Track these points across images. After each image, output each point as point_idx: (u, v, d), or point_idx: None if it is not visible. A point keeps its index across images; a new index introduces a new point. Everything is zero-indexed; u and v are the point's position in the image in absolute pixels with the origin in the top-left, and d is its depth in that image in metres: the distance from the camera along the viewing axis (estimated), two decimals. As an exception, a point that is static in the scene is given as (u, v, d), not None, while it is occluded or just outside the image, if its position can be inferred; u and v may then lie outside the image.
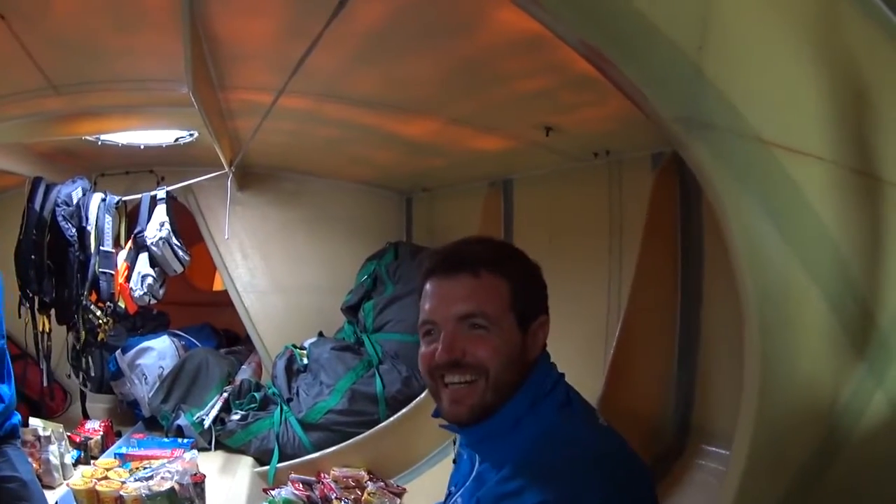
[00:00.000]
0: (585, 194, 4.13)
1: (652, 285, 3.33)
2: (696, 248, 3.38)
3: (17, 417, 3.82)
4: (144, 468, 4.86)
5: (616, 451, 1.82)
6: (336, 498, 4.86)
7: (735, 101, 1.57)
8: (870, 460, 1.65)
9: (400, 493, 4.91)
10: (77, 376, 6.17)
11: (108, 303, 6.07)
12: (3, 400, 3.63)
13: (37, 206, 5.65)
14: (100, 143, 5.67)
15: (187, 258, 6.68)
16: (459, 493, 2.02)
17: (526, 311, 1.90)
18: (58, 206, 5.73)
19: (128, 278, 6.30)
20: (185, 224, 6.76)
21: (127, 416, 6.77)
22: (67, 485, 4.68)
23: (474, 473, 1.97)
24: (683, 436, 3.34)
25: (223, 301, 8.24)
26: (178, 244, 6.53)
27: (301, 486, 5.08)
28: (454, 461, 2.21)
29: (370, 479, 5.19)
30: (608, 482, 1.70)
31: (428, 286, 1.97)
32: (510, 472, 1.80)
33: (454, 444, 2.25)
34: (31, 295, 5.58)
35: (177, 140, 5.64)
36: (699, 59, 1.55)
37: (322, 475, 5.24)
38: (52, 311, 5.85)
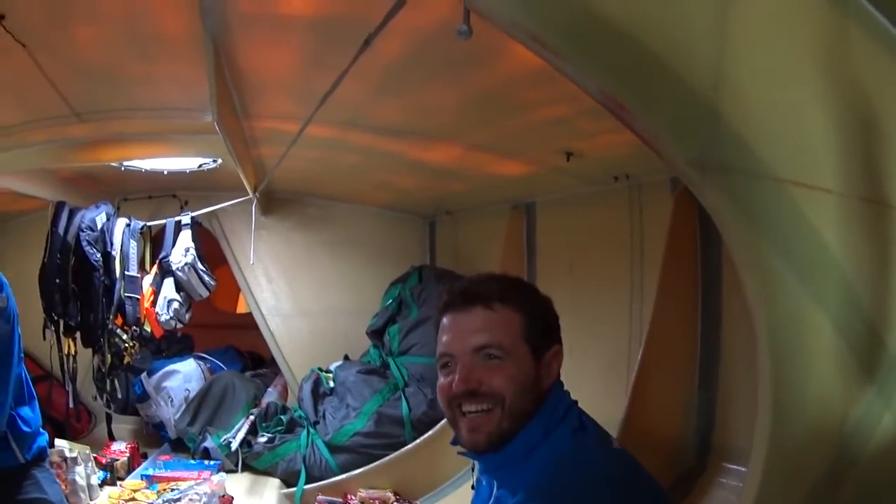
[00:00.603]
0: (606, 217, 4.15)
1: (673, 307, 3.36)
2: (715, 270, 3.40)
3: (44, 439, 3.83)
4: (172, 490, 4.93)
5: (629, 474, 1.88)
6: None
7: (750, 141, 1.59)
8: (880, 479, 1.65)
9: None
10: (102, 398, 6.22)
11: (134, 327, 6.13)
12: (29, 423, 3.65)
13: (60, 231, 5.71)
14: (123, 168, 5.75)
15: (213, 283, 6.75)
16: None
17: (539, 342, 1.96)
18: (82, 230, 5.79)
19: (153, 303, 6.37)
20: (209, 247, 6.85)
21: (152, 437, 6.82)
22: None
23: (492, 500, 2.02)
24: (704, 455, 3.36)
25: (247, 323, 8.26)
26: (204, 269, 6.61)
27: None
28: (473, 487, 2.27)
29: (396, 500, 5.25)
30: (620, 502, 1.77)
31: (444, 320, 2.04)
32: (525, 497, 1.86)
33: (472, 470, 2.31)
34: (56, 318, 5.62)
35: (200, 166, 5.69)
36: (714, 99, 1.57)
37: (349, 496, 5.30)
38: (78, 334, 5.88)
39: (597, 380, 3.44)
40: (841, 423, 1.69)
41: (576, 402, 2.04)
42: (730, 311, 3.31)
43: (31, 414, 3.68)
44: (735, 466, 3.20)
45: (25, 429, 3.61)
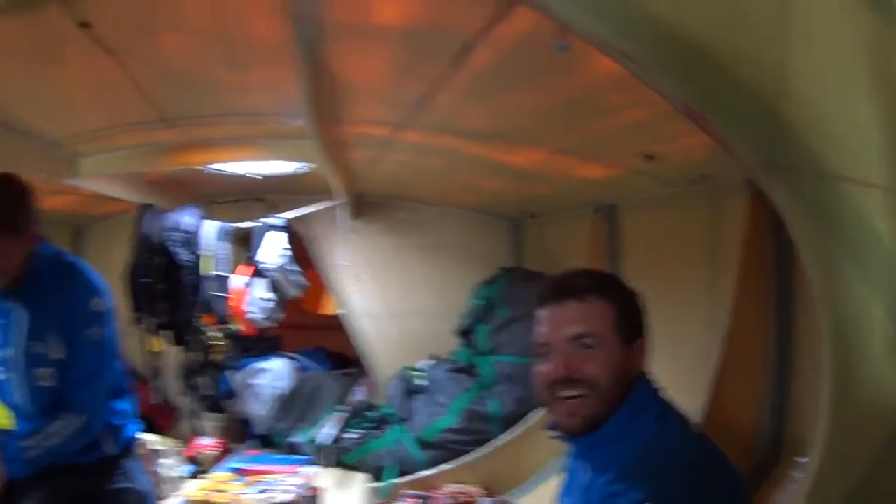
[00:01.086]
0: (684, 218, 4.15)
1: (748, 308, 3.40)
2: (788, 271, 3.45)
3: (135, 430, 3.92)
4: (262, 481, 5.05)
5: (707, 458, 2.00)
6: None
7: (812, 143, 1.72)
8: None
9: None
10: (190, 395, 6.45)
11: (224, 325, 6.36)
12: (120, 416, 3.75)
13: (148, 232, 5.91)
14: (210, 172, 5.84)
15: (304, 283, 6.96)
16: (570, 500, 2.20)
17: (628, 333, 2.10)
18: (171, 232, 5.99)
19: (245, 302, 6.55)
20: (296, 249, 6.99)
21: (238, 434, 6.98)
22: (182, 496, 4.87)
23: (583, 483, 2.14)
24: (778, 449, 3.41)
25: (332, 325, 8.36)
26: (297, 270, 6.83)
27: (414, 500, 5.24)
28: (565, 471, 2.39)
29: (483, 495, 5.30)
30: (698, 485, 1.87)
31: (541, 312, 2.20)
32: (614, 476, 1.98)
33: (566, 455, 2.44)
34: (142, 317, 5.83)
35: (291, 171, 5.77)
36: (779, 105, 1.68)
37: (433, 491, 5.40)
38: (166, 332, 6.10)
39: (679, 378, 3.50)
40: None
41: (659, 389, 2.18)
42: (802, 313, 3.36)
43: (124, 407, 3.78)
44: (806, 460, 3.27)
45: (117, 422, 3.71)
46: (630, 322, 2.14)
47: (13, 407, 3.56)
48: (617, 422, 2.06)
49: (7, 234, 3.21)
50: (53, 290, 3.42)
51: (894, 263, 1.79)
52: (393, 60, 3.32)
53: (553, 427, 2.22)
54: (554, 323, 2.17)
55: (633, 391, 2.10)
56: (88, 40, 2.99)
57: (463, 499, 5.21)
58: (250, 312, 6.62)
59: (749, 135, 1.74)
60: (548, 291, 2.24)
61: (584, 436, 2.11)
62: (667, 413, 2.11)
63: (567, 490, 2.31)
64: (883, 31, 1.81)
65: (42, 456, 3.38)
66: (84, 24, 2.75)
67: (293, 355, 7.72)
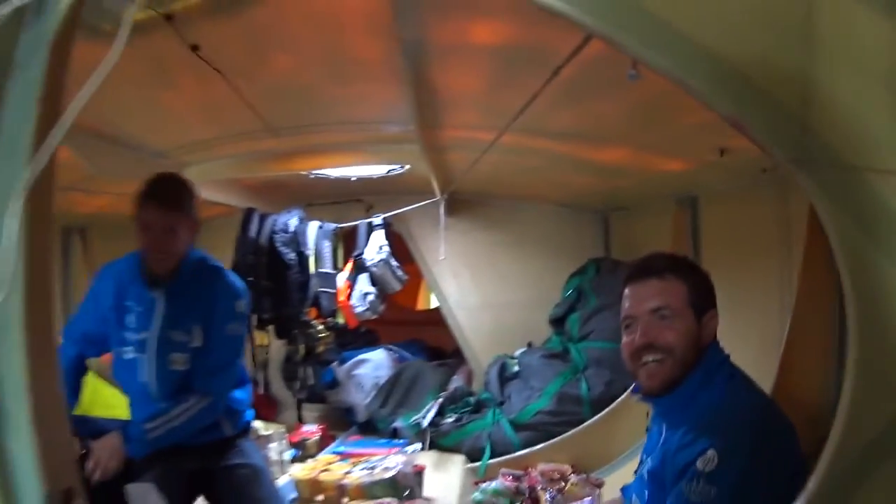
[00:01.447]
0: (758, 208, 4.18)
1: (813, 293, 3.56)
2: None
3: (251, 415, 4.21)
4: (366, 462, 5.27)
5: (769, 418, 2.34)
6: (542, 489, 5.11)
7: (832, 142, 1.93)
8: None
9: (600, 485, 5.10)
10: (293, 386, 6.75)
11: (329, 318, 6.67)
12: (240, 404, 4.02)
13: (252, 234, 6.25)
14: (311, 176, 6.13)
15: (405, 277, 7.25)
16: (650, 457, 2.55)
17: (700, 306, 2.46)
18: (275, 233, 6.31)
19: (349, 296, 6.86)
20: (393, 246, 7.29)
21: (339, 422, 7.24)
22: (289, 476, 5.15)
23: (662, 439, 2.49)
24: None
25: (427, 319, 8.88)
26: (397, 265, 7.12)
27: (510, 478, 5.35)
28: (647, 430, 2.74)
29: (573, 473, 5.40)
30: (757, 439, 2.21)
31: (626, 290, 2.59)
32: (686, 430, 2.31)
33: (647, 415, 2.78)
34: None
35: (388, 172, 6.02)
36: (803, 112, 1.93)
37: (529, 469, 5.53)
38: (272, 327, 6.43)
39: (752, 358, 3.69)
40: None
41: (729, 356, 2.54)
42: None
43: (243, 396, 4.06)
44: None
45: (236, 407, 4.00)
46: (701, 297, 2.49)
47: (138, 387, 3.83)
48: (691, 384, 2.41)
49: (183, 216, 3.56)
50: (202, 287, 3.76)
51: None
52: (489, 74, 3.53)
53: (637, 391, 2.60)
54: (636, 298, 2.55)
55: (706, 357, 2.44)
56: (198, 61, 3.20)
57: (555, 476, 5.32)
58: (354, 306, 6.94)
59: (777, 138, 1.96)
60: (632, 272, 2.62)
61: (662, 396, 2.47)
62: (735, 376, 2.46)
63: (648, 449, 2.65)
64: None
65: (164, 436, 3.63)
66: (194, 47, 2.95)
67: (392, 347, 8.01)
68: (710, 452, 2.16)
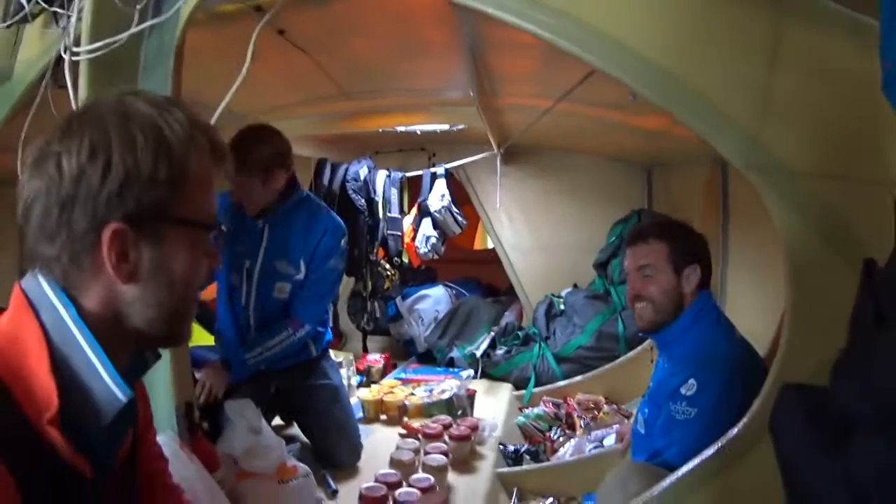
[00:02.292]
0: None
1: None
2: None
3: (330, 337, 4.70)
4: (424, 385, 5.80)
5: (743, 355, 2.99)
6: (578, 416, 5.45)
7: (782, 151, 2.31)
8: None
9: (628, 416, 5.36)
10: (361, 319, 7.25)
11: (396, 258, 7.16)
12: (324, 324, 4.57)
13: (325, 181, 6.73)
14: (381, 130, 6.64)
15: (465, 222, 7.70)
16: (655, 383, 3.24)
17: (679, 263, 3.08)
18: (347, 181, 6.80)
19: (413, 238, 7.38)
20: (453, 189, 7.74)
21: (400, 352, 7.75)
22: (357, 398, 5.61)
23: (663, 367, 3.22)
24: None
25: (482, 258, 9.26)
26: (457, 211, 7.55)
27: (550, 405, 5.77)
28: (651, 361, 3.47)
29: (606, 403, 5.77)
30: (731, 373, 2.84)
31: (627, 251, 3.33)
32: (677, 362, 3.02)
33: (651, 350, 3.49)
34: None
35: (450, 127, 6.46)
36: (758, 125, 2.31)
37: (568, 398, 5.92)
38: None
39: (763, 310, 4.15)
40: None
41: (716, 305, 3.19)
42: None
43: (325, 317, 4.63)
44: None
45: (321, 329, 4.50)
46: (681, 256, 3.10)
47: (233, 316, 4.29)
48: (681, 323, 3.08)
49: (248, 172, 3.92)
50: (306, 223, 4.20)
51: (848, 227, 2.35)
52: (541, 57, 3.92)
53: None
54: (630, 258, 3.28)
55: (695, 302, 3.09)
56: (284, 42, 3.66)
57: (590, 406, 5.72)
58: (418, 248, 7.48)
59: (732, 147, 2.36)
60: (628, 236, 3.33)
61: (653, 333, 3.18)
62: (720, 322, 3.12)
63: (653, 376, 3.38)
64: (860, 52, 2.21)
65: (261, 363, 4.12)
66: (280, 31, 3.36)
67: (450, 283, 8.46)
68: (692, 381, 2.85)
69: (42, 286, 1.38)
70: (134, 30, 2.57)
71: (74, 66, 2.60)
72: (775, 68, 2.33)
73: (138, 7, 2.61)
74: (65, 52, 2.60)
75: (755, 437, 2.38)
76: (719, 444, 2.56)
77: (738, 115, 2.34)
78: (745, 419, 2.52)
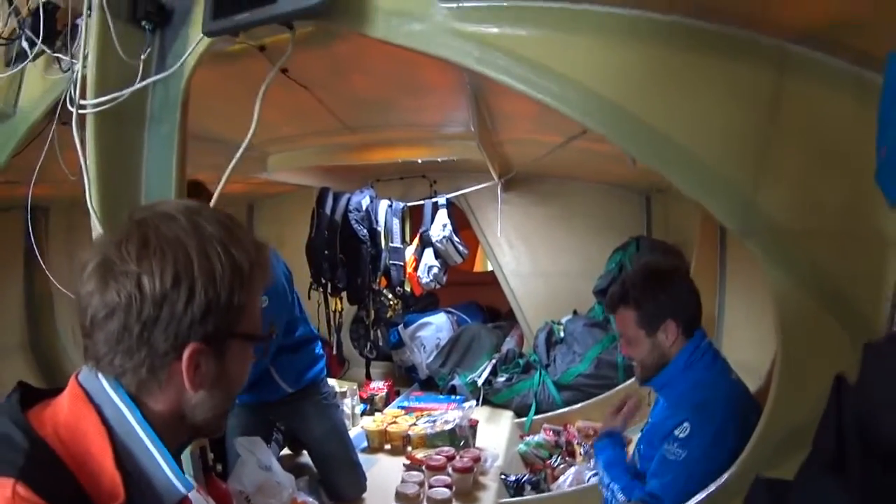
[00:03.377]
0: None
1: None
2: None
3: (314, 372, 4.82)
4: (428, 416, 5.88)
5: (737, 398, 3.03)
6: (577, 443, 5.56)
7: (775, 213, 2.30)
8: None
9: (628, 442, 5.53)
10: (364, 346, 7.29)
11: (398, 287, 7.18)
12: (319, 359, 4.75)
13: (328, 211, 6.67)
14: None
15: (466, 252, 7.76)
16: (653, 420, 3.33)
17: (650, 323, 3.14)
18: (349, 211, 6.76)
19: (415, 268, 7.42)
20: (453, 214, 7.80)
21: (403, 378, 7.97)
22: (361, 427, 5.73)
23: (660, 407, 3.30)
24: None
25: (483, 281, 9.28)
26: (459, 241, 7.62)
27: (551, 433, 5.86)
28: (649, 394, 3.78)
29: None
30: (727, 412, 2.89)
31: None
32: (672, 404, 3.10)
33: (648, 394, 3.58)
34: (324, 282, 6.62)
35: (449, 157, 6.33)
36: (752, 191, 2.31)
37: (568, 426, 6.00)
38: (344, 295, 6.89)
39: (760, 341, 4.18)
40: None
41: (711, 345, 3.18)
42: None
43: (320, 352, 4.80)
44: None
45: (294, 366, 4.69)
46: (650, 318, 3.14)
47: None
48: (675, 366, 3.12)
49: None
50: None
51: (836, 283, 2.35)
52: (537, 107, 3.99)
53: None
54: (616, 325, 3.43)
55: (686, 347, 3.12)
56: (286, 80, 3.73)
57: (590, 433, 5.73)
58: (420, 277, 7.52)
59: (727, 212, 2.37)
60: (605, 304, 3.55)
61: (649, 381, 3.24)
62: (716, 364, 3.16)
63: (652, 412, 3.46)
64: (862, 111, 2.19)
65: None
66: (283, 70, 3.38)
67: (452, 310, 8.54)
68: (686, 424, 2.91)
69: (103, 385, 1.45)
70: (138, 86, 2.64)
71: (80, 117, 2.66)
72: (774, 127, 2.33)
73: (143, 58, 2.69)
74: (71, 105, 2.67)
75: (743, 485, 2.43)
76: (709, 490, 2.63)
77: (733, 177, 2.34)
78: (733, 467, 2.60)
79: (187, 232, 1.42)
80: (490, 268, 8.53)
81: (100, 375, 1.46)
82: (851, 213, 2.35)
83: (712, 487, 2.63)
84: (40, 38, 2.90)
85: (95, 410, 1.42)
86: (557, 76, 2.37)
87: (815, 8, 2.16)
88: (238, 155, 2.65)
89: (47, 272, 3.85)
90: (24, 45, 3.00)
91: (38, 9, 2.91)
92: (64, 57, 2.92)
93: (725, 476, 2.62)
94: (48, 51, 2.96)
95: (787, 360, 2.46)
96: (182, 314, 1.39)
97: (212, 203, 2.76)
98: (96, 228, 2.62)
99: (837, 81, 2.29)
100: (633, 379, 5.71)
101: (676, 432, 2.91)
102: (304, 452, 4.96)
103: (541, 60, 2.37)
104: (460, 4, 2.41)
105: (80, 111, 2.63)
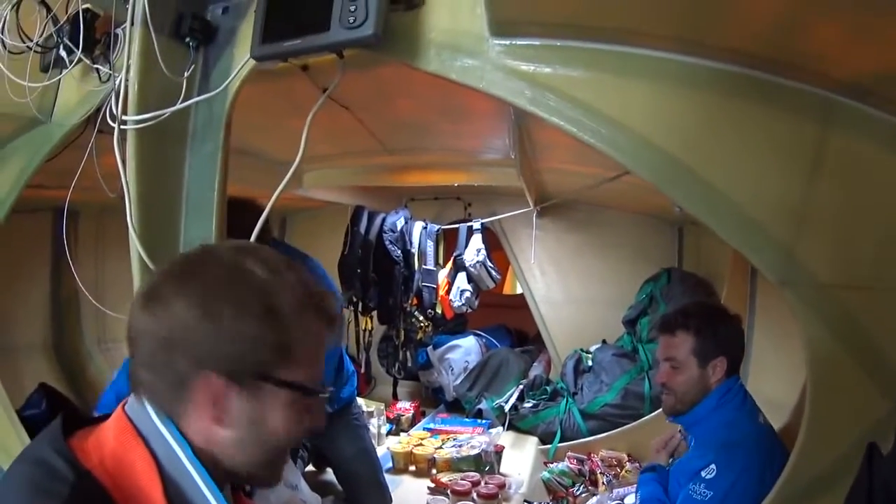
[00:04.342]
0: None
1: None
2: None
3: (348, 394, 4.75)
4: (453, 439, 5.90)
5: (764, 440, 3.03)
6: (600, 472, 5.54)
7: (815, 264, 2.29)
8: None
9: None
10: (392, 366, 7.34)
11: (430, 310, 7.24)
12: (351, 378, 4.70)
13: (362, 230, 6.81)
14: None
15: (499, 277, 7.81)
16: (683, 459, 3.31)
17: (704, 356, 3.16)
18: (384, 232, 6.88)
19: (448, 291, 7.47)
20: (486, 236, 7.84)
21: (429, 399, 7.98)
22: (387, 448, 5.73)
23: (690, 446, 3.29)
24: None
25: (513, 303, 9.22)
26: (492, 266, 7.66)
27: (574, 461, 5.88)
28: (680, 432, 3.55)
29: (629, 461, 5.81)
30: (752, 457, 2.90)
31: (659, 338, 3.34)
32: (701, 444, 3.09)
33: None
34: (356, 300, 6.69)
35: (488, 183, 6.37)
36: (793, 241, 2.29)
37: (592, 455, 6.01)
38: (375, 314, 6.99)
39: (787, 377, 4.16)
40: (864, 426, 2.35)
41: (743, 389, 3.20)
42: None
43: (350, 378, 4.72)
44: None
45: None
46: (707, 348, 3.16)
47: None
48: (704, 407, 3.16)
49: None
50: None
51: (872, 341, 2.34)
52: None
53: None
54: (660, 347, 3.31)
55: (720, 387, 3.16)
56: (328, 100, 3.52)
57: (613, 463, 5.79)
58: (452, 301, 7.57)
59: (768, 263, 2.35)
60: (658, 325, 3.38)
61: (677, 418, 3.27)
62: (745, 406, 3.18)
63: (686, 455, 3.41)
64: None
65: None
66: (324, 90, 3.16)
67: (481, 333, 8.52)
68: (712, 466, 2.93)
69: (150, 416, 1.47)
70: (182, 105, 2.64)
71: (122, 133, 2.66)
72: (816, 179, 2.31)
73: (186, 75, 2.69)
74: (112, 120, 2.65)
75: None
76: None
77: (774, 228, 2.34)
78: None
79: (227, 268, 1.47)
80: (519, 290, 8.57)
81: (147, 406, 1.48)
82: (887, 265, 2.35)
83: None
84: (80, 48, 2.88)
85: (143, 442, 1.44)
86: (608, 120, 2.37)
87: (864, 60, 2.16)
88: (287, 178, 2.66)
89: (75, 275, 3.87)
90: (63, 53, 2.97)
91: (76, 16, 2.89)
92: (102, 68, 2.91)
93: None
94: (87, 60, 2.94)
95: (816, 409, 2.46)
96: (202, 341, 1.42)
97: (261, 218, 2.82)
98: (135, 245, 2.61)
99: (882, 135, 2.29)
100: (659, 410, 5.76)
101: (703, 473, 2.94)
102: (329, 470, 4.99)
103: (592, 103, 2.37)
104: (513, 42, 2.42)
105: (122, 126, 2.63)
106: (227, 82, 2.68)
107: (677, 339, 3.25)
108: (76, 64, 2.97)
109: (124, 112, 2.63)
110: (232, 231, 2.85)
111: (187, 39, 2.72)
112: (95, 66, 2.95)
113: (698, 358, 3.18)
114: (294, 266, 1.56)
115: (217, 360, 1.43)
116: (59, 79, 3.18)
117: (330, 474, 4.95)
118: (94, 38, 2.95)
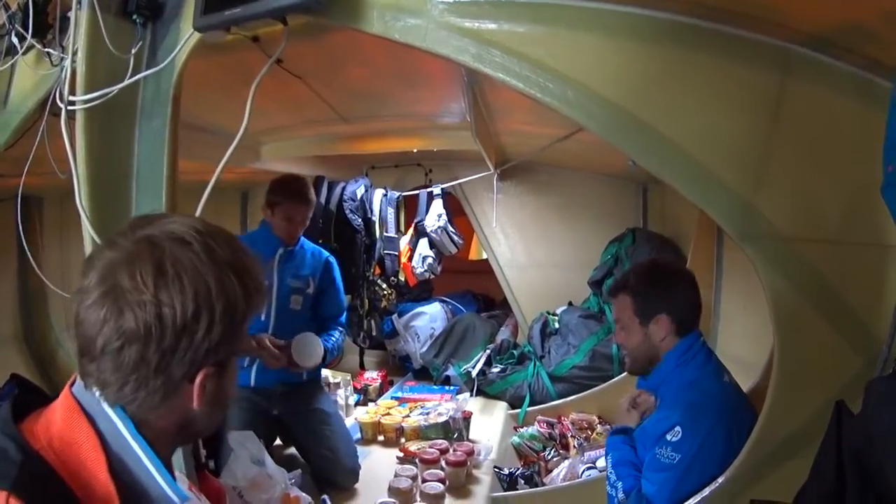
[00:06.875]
0: None
1: None
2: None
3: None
4: (421, 407, 5.87)
5: (730, 398, 3.00)
6: (571, 436, 5.51)
7: (775, 218, 2.30)
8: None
9: None
10: (357, 335, 7.24)
11: (393, 277, 7.21)
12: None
13: (322, 200, 6.74)
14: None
15: (461, 242, 7.76)
16: (648, 421, 3.22)
17: (643, 313, 3.15)
18: (344, 201, 6.82)
19: (410, 258, 7.41)
20: (448, 203, 7.81)
21: (397, 368, 7.93)
22: (355, 419, 5.70)
23: (658, 406, 3.22)
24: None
25: (478, 269, 9.27)
26: (454, 231, 7.62)
27: (545, 425, 5.83)
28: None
29: (600, 423, 5.77)
30: (718, 416, 2.85)
31: None
32: (666, 405, 3.03)
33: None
34: None
35: (446, 147, 6.37)
36: (752, 195, 2.31)
37: (562, 418, 5.96)
38: None
39: (755, 336, 4.16)
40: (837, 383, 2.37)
41: (705, 346, 3.14)
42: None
43: None
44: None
45: None
46: (645, 307, 3.15)
47: (256, 328, 4.53)
48: (664, 367, 3.13)
49: (310, 208, 4.58)
50: (310, 253, 4.82)
51: (835, 290, 2.37)
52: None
53: None
54: (612, 310, 3.41)
55: (679, 345, 3.11)
56: (281, 70, 3.71)
57: (583, 425, 5.75)
58: (415, 267, 7.52)
59: (727, 216, 2.37)
60: (609, 290, 3.41)
61: (641, 377, 3.28)
62: (709, 364, 3.13)
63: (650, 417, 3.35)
64: (868, 116, 2.23)
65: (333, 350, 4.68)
66: (278, 61, 3.15)
67: (446, 299, 8.54)
68: (677, 428, 2.87)
69: (98, 400, 1.46)
70: (128, 81, 2.62)
71: (70, 114, 2.65)
72: (775, 132, 2.32)
73: (133, 52, 2.68)
74: (61, 101, 2.64)
75: (735, 489, 2.45)
76: (704, 494, 2.65)
77: (732, 180, 2.34)
78: (727, 472, 2.62)
79: (203, 261, 1.43)
80: (485, 256, 8.57)
81: (95, 391, 1.46)
82: (852, 219, 2.37)
83: (706, 491, 2.65)
84: (30, 34, 2.88)
85: (89, 422, 1.43)
86: (556, 74, 2.35)
87: (826, 12, 2.14)
88: (231, 149, 2.62)
89: (33, 264, 3.82)
90: (14, 39, 2.97)
91: (27, 3, 2.88)
92: (54, 51, 2.90)
93: (720, 480, 2.63)
94: (38, 46, 2.95)
95: (784, 366, 2.47)
96: (200, 343, 1.41)
97: (205, 194, 2.74)
98: (86, 227, 2.59)
99: (843, 86, 2.30)
100: (625, 374, 5.76)
101: (668, 436, 2.88)
102: (293, 448, 4.96)
103: (539, 58, 2.36)
104: (456, -1, 2.35)
105: (70, 107, 2.61)
106: (171, 55, 2.67)
107: (619, 300, 3.26)
108: (27, 50, 3.00)
109: (72, 93, 2.62)
110: None
111: (134, 17, 2.72)
112: (47, 49, 2.95)
113: (639, 317, 3.18)
114: (238, 239, 1.56)
115: (210, 357, 1.46)
116: (11, 64, 3.20)
117: (294, 450, 4.92)
118: (46, 23, 2.97)
